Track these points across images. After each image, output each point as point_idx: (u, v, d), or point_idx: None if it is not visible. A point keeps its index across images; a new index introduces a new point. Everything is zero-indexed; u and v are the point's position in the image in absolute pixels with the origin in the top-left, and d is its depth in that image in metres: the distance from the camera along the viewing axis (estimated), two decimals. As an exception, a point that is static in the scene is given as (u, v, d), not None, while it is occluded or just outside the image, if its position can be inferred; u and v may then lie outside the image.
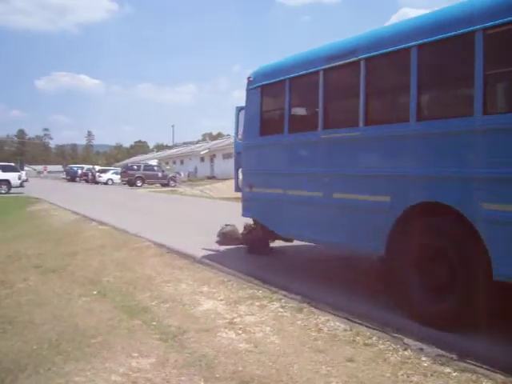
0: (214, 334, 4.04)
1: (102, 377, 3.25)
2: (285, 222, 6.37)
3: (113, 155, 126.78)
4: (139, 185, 36.37)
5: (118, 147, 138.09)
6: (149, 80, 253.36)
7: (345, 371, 3.29)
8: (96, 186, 39.25)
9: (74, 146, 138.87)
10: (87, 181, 45.10)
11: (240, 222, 8.29)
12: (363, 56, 4.97)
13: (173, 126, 68.72)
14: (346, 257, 7.09)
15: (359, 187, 5.05)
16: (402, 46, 4.53)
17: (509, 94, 4.10)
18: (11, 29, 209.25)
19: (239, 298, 5.11)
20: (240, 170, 7.56)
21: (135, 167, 38.63)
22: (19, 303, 5.07)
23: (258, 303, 4.93)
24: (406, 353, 3.60)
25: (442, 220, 4.22)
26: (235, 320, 4.41)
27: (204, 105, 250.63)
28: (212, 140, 71.34)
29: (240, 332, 4.11)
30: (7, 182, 25.48)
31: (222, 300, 5.07)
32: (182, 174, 46.87)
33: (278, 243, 7.75)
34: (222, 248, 8.29)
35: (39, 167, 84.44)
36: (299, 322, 4.35)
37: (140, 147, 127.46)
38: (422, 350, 3.63)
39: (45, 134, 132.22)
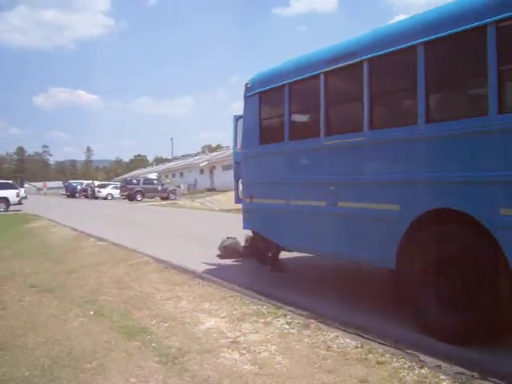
0: (217, 355, 3.82)
1: (97, 407, 3.03)
2: (288, 234, 6.12)
3: (113, 170, 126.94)
4: (139, 199, 36.15)
5: (118, 162, 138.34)
6: (146, 93, 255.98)
7: (358, 394, 3.06)
8: (95, 201, 39.05)
9: (73, 162, 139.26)
10: (87, 196, 44.96)
11: (241, 235, 8.07)
12: (366, 56, 4.77)
13: (172, 139, 68.37)
14: (352, 268, 6.85)
15: (366, 195, 4.80)
16: (408, 44, 4.31)
17: None
18: (7, 46, 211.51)
19: (242, 315, 4.89)
20: (240, 181, 7.34)
21: (134, 181, 38.41)
22: (12, 326, 4.87)
23: (262, 320, 4.71)
24: (422, 371, 3.38)
25: (457, 228, 3.98)
26: (239, 339, 4.19)
27: (202, 117, 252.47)
28: (211, 152, 71.20)
29: (244, 352, 3.89)
30: (5, 199, 25.20)
31: (224, 317, 4.85)
32: (182, 186, 46.71)
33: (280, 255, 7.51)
34: (224, 262, 8.08)
35: (39, 184, 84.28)
36: (306, 340, 4.12)
37: (139, 161, 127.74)
38: (439, 367, 3.41)
39: (44, 151, 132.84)
